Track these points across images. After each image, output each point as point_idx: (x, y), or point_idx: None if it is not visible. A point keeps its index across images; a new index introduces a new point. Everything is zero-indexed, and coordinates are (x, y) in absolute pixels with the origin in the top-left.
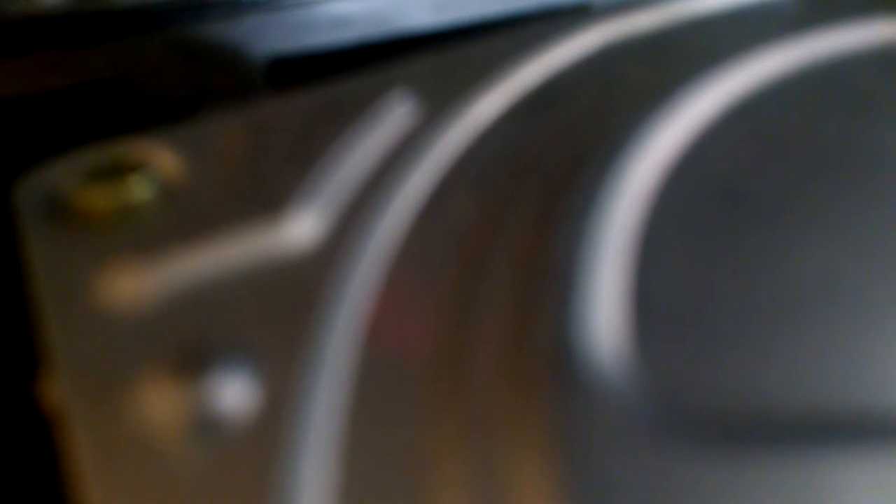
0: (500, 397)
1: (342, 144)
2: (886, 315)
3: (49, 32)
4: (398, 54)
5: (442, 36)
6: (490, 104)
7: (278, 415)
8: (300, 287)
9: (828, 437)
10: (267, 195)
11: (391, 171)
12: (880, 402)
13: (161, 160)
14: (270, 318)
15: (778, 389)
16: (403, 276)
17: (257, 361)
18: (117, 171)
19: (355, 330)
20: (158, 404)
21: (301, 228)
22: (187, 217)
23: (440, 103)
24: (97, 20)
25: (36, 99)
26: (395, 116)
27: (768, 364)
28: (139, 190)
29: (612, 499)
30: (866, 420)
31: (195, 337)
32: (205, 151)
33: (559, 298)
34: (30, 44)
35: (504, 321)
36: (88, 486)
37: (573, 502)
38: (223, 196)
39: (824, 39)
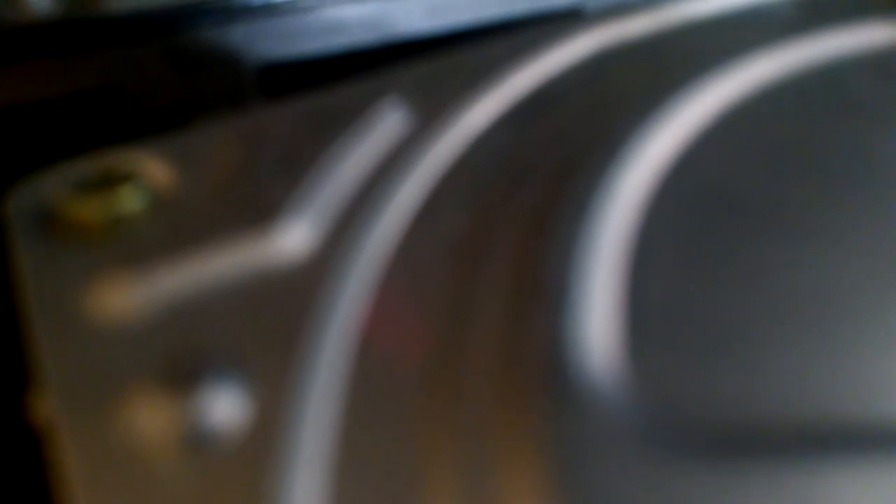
0: (493, 408)
1: (334, 153)
2: (882, 324)
3: (40, 41)
4: (391, 60)
5: (435, 41)
6: (483, 111)
7: (270, 429)
8: (292, 298)
9: (821, 448)
10: (258, 205)
11: (383, 181)
12: (875, 412)
13: (152, 171)
14: (262, 330)
15: (771, 400)
16: (396, 287)
17: (248, 374)
18: (108, 183)
19: (347, 341)
20: (149, 419)
21: (293, 239)
22: (178, 228)
23: (432, 111)
24: (89, 28)
25: (27, 108)
26: (387, 124)
27: (762, 375)
28: (130, 201)
29: None
30: (860, 430)
31: (186, 350)
32: (196, 162)
33: (552, 308)
34: (21, 52)
35: (497, 331)
36: (78, 502)
37: None
38: (214, 206)
39: (819, 43)
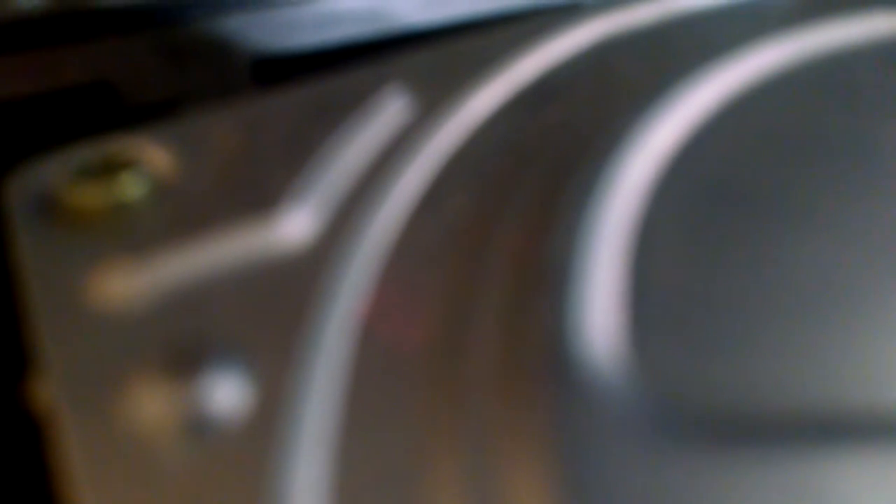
0: (496, 395)
1: (336, 140)
2: (885, 312)
3: (28, 34)
4: (387, 53)
5: (431, 34)
6: (486, 99)
7: (271, 415)
8: (294, 285)
9: (826, 436)
10: (260, 192)
11: (386, 168)
12: (878, 400)
13: (153, 157)
14: (264, 316)
15: (775, 387)
16: (398, 274)
17: (250, 361)
18: (109, 169)
19: (349, 328)
20: (150, 405)
21: (295, 226)
22: (179, 215)
23: (435, 98)
24: (77, 21)
25: (14, 104)
26: (389, 112)
27: (766, 362)
28: (131, 187)
29: (608, 497)
30: (864, 419)
31: (187, 336)
32: (197, 148)
33: (555, 295)
34: (8, 46)
35: (500, 318)
36: (79, 488)
37: (568, 499)
38: (216, 193)
39: (821, 33)
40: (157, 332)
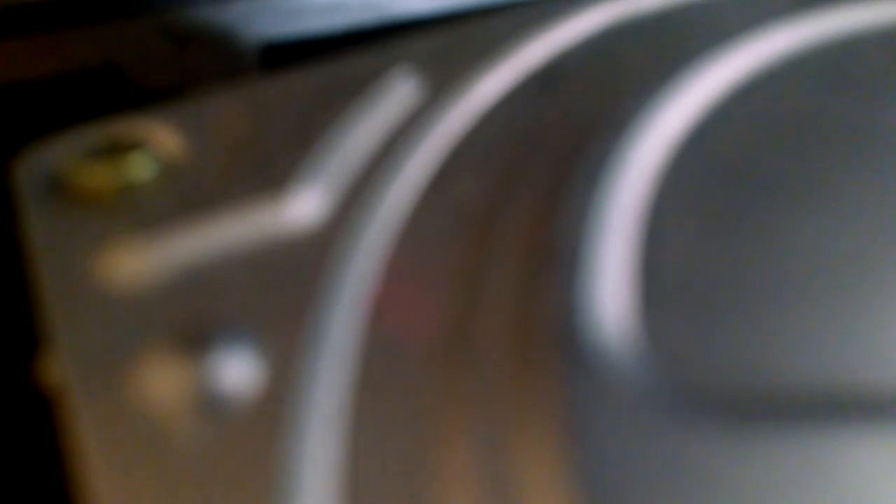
0: (507, 375)
1: (345, 122)
2: (893, 293)
3: (36, 17)
4: (395, 39)
5: (437, 21)
6: (494, 83)
7: (282, 393)
8: (303, 265)
9: (834, 413)
10: (269, 173)
11: (395, 150)
12: (887, 378)
13: (161, 138)
14: (273, 296)
15: (784, 365)
16: (407, 255)
17: (260, 339)
18: (117, 149)
19: (359, 309)
20: (161, 382)
21: (304, 206)
22: (188, 195)
23: (444, 81)
24: (86, 4)
25: (22, 87)
26: (398, 94)
27: (774, 340)
28: (139, 168)
29: (619, 474)
30: (873, 396)
31: (197, 315)
32: (205, 129)
33: (565, 276)
34: (14, 29)
35: (509, 300)
36: (90, 466)
37: (580, 478)
38: (225, 174)
39: (830, 19)
40: (166, 312)
